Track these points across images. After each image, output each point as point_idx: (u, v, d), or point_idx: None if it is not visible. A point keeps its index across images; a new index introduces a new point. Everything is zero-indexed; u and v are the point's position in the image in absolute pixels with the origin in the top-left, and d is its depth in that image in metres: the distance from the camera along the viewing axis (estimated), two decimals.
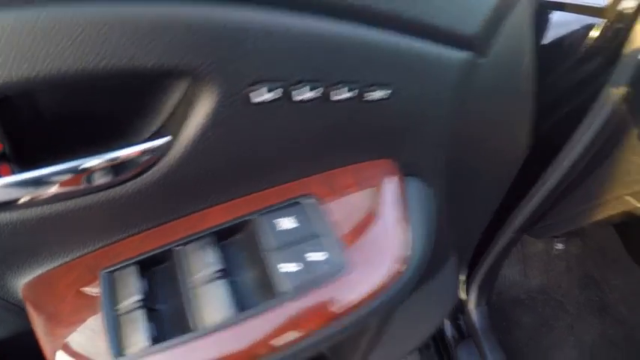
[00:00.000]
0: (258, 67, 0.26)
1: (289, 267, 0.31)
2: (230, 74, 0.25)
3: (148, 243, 0.32)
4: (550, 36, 0.72)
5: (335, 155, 0.35)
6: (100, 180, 0.28)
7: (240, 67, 0.25)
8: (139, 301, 0.30)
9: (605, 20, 0.69)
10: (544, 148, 0.77)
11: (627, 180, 0.75)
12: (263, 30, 0.25)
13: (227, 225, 0.33)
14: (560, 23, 0.75)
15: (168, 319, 0.31)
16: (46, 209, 0.28)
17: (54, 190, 0.27)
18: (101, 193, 0.29)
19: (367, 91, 0.30)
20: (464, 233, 0.66)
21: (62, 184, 0.27)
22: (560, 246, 1.12)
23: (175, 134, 0.27)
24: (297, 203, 0.34)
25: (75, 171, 0.27)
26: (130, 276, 0.31)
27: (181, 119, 0.27)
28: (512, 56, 0.46)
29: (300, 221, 0.33)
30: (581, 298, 1.31)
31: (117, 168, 0.27)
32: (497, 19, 0.37)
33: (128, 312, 0.30)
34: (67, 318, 0.31)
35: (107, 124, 0.28)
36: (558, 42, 0.73)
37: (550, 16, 0.72)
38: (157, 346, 0.29)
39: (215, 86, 0.25)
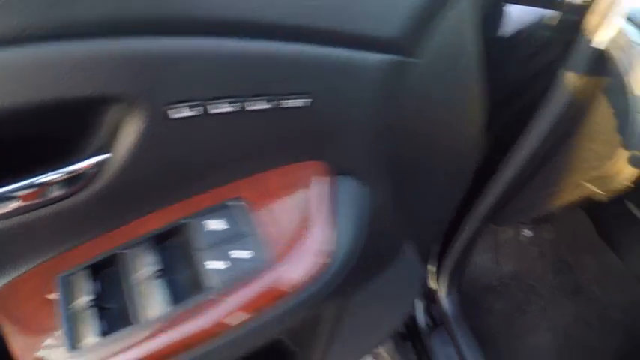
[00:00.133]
0: (176, 89, 0.29)
1: (216, 264, 0.35)
2: (151, 97, 0.29)
3: (98, 248, 0.36)
4: (505, 29, 0.74)
5: (262, 160, 0.37)
6: (54, 194, 0.32)
7: (160, 91, 0.29)
8: (90, 300, 0.34)
9: (559, 12, 0.71)
10: (505, 139, 0.79)
11: (585, 167, 0.77)
12: (177, 56, 0.28)
13: (164, 229, 0.36)
14: (515, 16, 0.76)
15: (117, 315, 0.34)
16: (7, 223, 0.32)
17: (16, 204, 0.31)
18: (55, 206, 0.32)
19: (285, 100, 0.33)
20: (425, 225, 0.67)
21: (23, 198, 0.31)
22: (527, 233, 1.14)
23: (113, 151, 0.31)
24: (225, 206, 0.37)
25: (32, 186, 0.31)
26: (83, 279, 0.35)
27: (117, 138, 0.30)
28: (453, 54, 0.47)
29: (228, 223, 0.36)
30: (555, 282, 1.34)
31: (67, 182, 0.31)
32: (426, 19, 0.38)
33: (81, 311, 0.34)
34: (34, 323, 0.34)
35: (55, 145, 0.31)
36: (514, 35, 0.75)
37: (504, 9, 0.73)
38: (105, 339, 0.33)
39: (140, 108, 0.29)
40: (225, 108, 0.31)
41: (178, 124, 0.31)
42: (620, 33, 0.74)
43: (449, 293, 0.98)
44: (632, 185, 0.88)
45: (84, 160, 0.31)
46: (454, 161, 0.61)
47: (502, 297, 1.21)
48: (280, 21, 0.30)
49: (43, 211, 0.32)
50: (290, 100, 0.33)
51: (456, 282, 0.98)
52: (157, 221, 0.36)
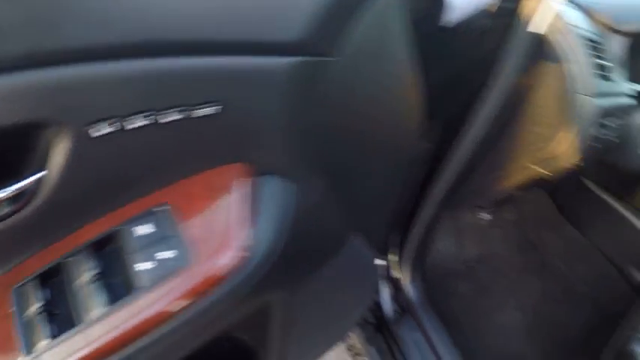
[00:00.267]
0: (93, 109, 0.33)
1: (145, 266, 0.38)
2: (73, 119, 0.32)
3: (46, 259, 0.39)
4: (448, 19, 0.75)
5: (184, 167, 0.41)
6: (3, 211, 0.35)
7: (80, 113, 0.33)
8: (40, 307, 0.37)
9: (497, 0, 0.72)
10: (453, 126, 0.80)
11: (530, 149, 0.79)
12: (92, 80, 0.32)
13: (99, 238, 0.40)
14: (458, 5, 0.77)
15: (64, 319, 0.38)
16: None
17: None
18: (2, 224, 0.35)
19: (196, 110, 0.36)
20: (371, 216, 0.69)
21: None
22: (486, 216, 1.17)
23: (48, 169, 0.34)
24: (152, 212, 0.40)
25: None
26: (33, 289, 0.38)
27: (50, 157, 0.34)
28: (378, 47, 0.48)
29: (154, 227, 0.40)
30: (520, 262, 1.37)
31: (12, 200, 0.34)
32: (337, 18, 0.39)
33: (33, 318, 0.37)
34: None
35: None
36: (458, 24, 0.76)
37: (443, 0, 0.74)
38: (54, 342, 0.36)
39: (65, 130, 0.33)
40: (141, 122, 0.34)
41: (99, 141, 0.34)
42: (558, 16, 0.76)
43: (412, 281, 1.00)
44: (581, 163, 0.91)
45: (25, 178, 0.34)
46: (392, 152, 0.62)
47: (468, 280, 1.24)
48: (184, 38, 0.34)
49: None
50: (201, 110, 0.36)
51: (419, 269, 1.00)
52: (93, 231, 0.40)
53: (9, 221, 0.36)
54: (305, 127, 0.44)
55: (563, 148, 0.77)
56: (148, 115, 0.35)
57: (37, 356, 0.36)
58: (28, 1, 0.30)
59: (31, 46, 0.30)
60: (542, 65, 0.76)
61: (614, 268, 1.36)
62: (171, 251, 0.39)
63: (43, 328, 0.37)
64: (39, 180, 0.34)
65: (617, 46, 0.98)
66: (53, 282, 0.39)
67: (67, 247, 0.39)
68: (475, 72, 0.76)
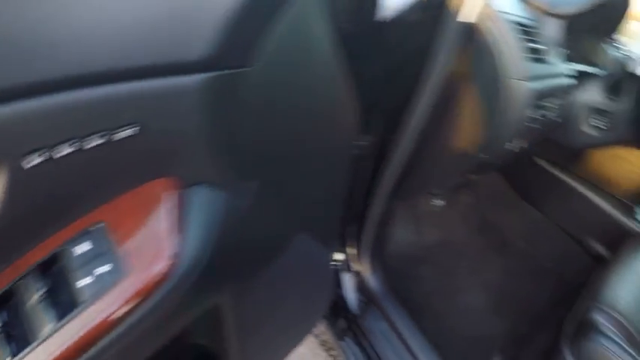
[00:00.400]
0: (23, 142, 0.35)
1: (85, 281, 0.41)
2: (5, 153, 0.34)
3: (2, 282, 0.42)
4: (381, 15, 0.76)
5: (114, 186, 0.43)
6: None
7: (10, 146, 0.34)
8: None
9: None
10: (395, 118, 0.82)
11: (469, 135, 0.81)
12: (17, 116, 0.34)
13: (43, 260, 0.42)
14: (391, 1, 0.78)
15: (22, 338, 0.40)
16: None
17: None
18: None
19: (117, 133, 0.39)
20: (316, 213, 0.70)
21: None
22: (439, 202, 1.19)
23: None
24: (88, 231, 0.43)
25: None
26: None
27: None
28: (298, 51, 0.48)
29: (91, 244, 0.43)
30: (481, 243, 1.41)
31: None
32: (247, 30, 0.41)
33: None
34: None
35: None
36: (391, 20, 0.77)
37: None
38: None
39: (1, 164, 0.34)
40: (67, 150, 0.37)
41: (32, 172, 0.36)
42: (487, 4, 0.78)
43: (373, 272, 1.02)
44: (524, 145, 0.94)
45: None
46: (331, 150, 0.63)
47: (429, 265, 1.26)
48: (98, 69, 0.37)
49: None
50: (121, 133, 0.39)
51: (379, 260, 1.02)
52: (39, 254, 0.43)
53: None
54: (229, 137, 0.46)
55: (499, 133, 0.80)
56: (73, 143, 0.37)
57: None
58: None
59: None
60: (474, 53, 0.78)
61: (574, 241, 1.41)
62: (108, 265, 0.42)
63: (3, 349, 0.39)
64: None
65: (553, 28, 1.02)
66: (9, 305, 0.42)
67: (16, 271, 0.42)
68: (411, 64, 0.78)
